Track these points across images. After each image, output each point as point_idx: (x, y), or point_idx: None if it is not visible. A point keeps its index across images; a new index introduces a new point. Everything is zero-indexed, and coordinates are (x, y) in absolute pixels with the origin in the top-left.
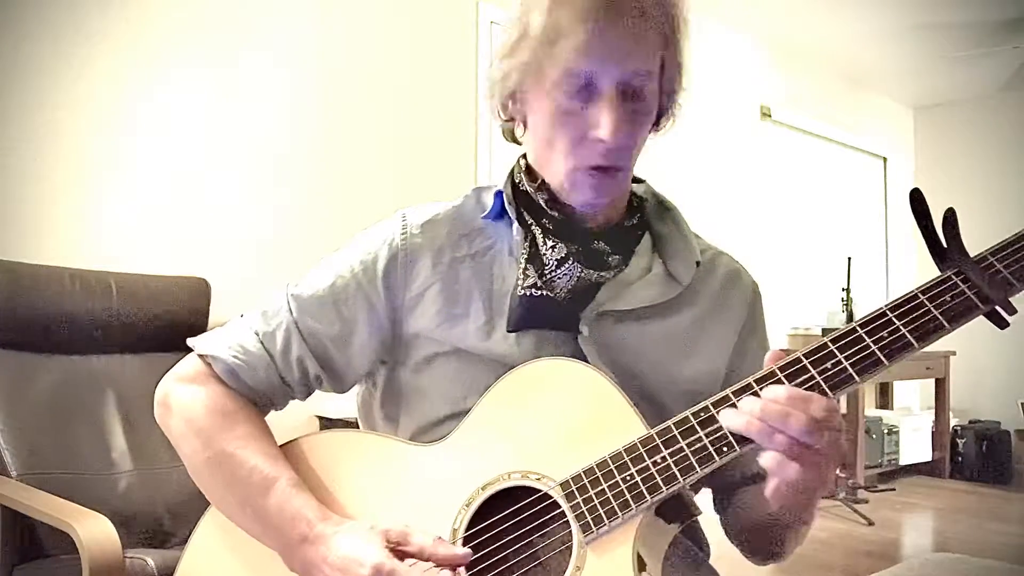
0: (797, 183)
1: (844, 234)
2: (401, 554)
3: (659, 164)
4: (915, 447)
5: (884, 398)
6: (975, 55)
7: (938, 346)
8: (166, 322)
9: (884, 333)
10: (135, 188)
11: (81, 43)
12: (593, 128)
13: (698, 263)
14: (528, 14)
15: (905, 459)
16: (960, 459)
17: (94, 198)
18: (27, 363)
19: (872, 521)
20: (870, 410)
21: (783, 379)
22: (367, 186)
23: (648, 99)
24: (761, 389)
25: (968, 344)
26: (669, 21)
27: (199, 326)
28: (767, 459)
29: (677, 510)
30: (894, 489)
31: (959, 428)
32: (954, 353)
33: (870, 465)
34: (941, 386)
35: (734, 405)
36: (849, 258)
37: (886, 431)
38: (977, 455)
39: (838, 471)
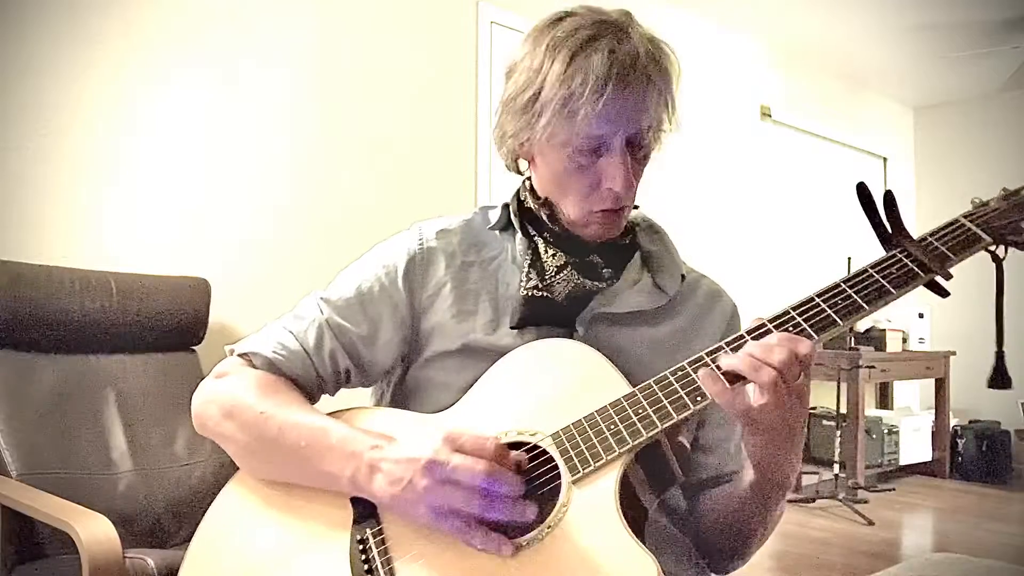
0: (797, 183)
1: (844, 234)
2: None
3: (659, 165)
4: (915, 447)
5: (884, 398)
6: (975, 55)
7: (938, 346)
8: (166, 322)
9: (838, 300)
10: (135, 188)
11: (81, 44)
12: (606, 181)
13: (683, 276)
14: (540, 73)
15: (905, 459)
16: (960, 459)
17: (94, 198)
18: (27, 363)
19: (872, 521)
20: (870, 410)
21: (751, 340)
22: (367, 185)
23: (648, 144)
24: (731, 348)
25: (968, 344)
26: (667, 81)
27: (199, 326)
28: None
29: (661, 470)
30: (894, 489)
31: (959, 428)
32: (954, 353)
33: (870, 465)
34: (941, 386)
35: (707, 364)
36: (849, 258)
37: (886, 431)
38: (977, 455)
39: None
